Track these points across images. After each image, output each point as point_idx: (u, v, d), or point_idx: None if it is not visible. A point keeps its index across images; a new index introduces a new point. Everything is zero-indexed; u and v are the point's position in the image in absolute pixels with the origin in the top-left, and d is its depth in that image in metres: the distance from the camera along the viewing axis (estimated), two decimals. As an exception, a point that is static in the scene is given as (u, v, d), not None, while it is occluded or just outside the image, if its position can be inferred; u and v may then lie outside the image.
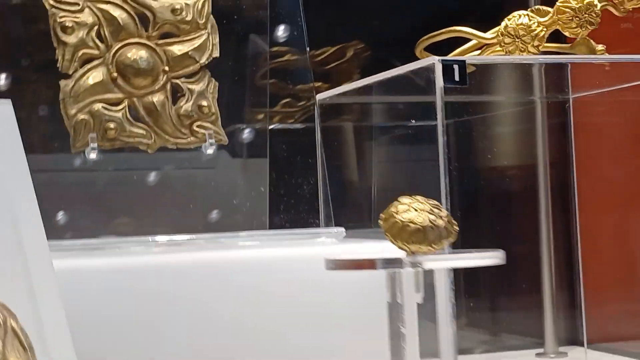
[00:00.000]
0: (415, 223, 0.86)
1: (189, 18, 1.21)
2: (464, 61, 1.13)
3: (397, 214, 0.86)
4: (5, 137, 0.95)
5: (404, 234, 0.85)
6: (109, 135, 1.16)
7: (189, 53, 1.21)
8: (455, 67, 1.12)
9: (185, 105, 1.21)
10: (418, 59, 1.23)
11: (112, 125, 1.16)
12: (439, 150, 1.12)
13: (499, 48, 1.21)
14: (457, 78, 1.13)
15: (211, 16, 1.23)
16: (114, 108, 1.17)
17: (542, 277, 1.49)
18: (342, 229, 1.19)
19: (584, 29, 1.19)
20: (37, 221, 0.92)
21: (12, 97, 0.95)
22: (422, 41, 1.31)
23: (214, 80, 1.22)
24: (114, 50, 1.18)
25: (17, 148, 0.96)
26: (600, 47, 1.21)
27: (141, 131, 1.18)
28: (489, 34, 1.23)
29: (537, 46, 1.19)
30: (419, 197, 0.88)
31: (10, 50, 1.24)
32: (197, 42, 1.22)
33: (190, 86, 1.21)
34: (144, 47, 1.19)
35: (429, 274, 0.89)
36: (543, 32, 1.19)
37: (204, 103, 1.21)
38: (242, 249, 1.12)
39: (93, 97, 1.17)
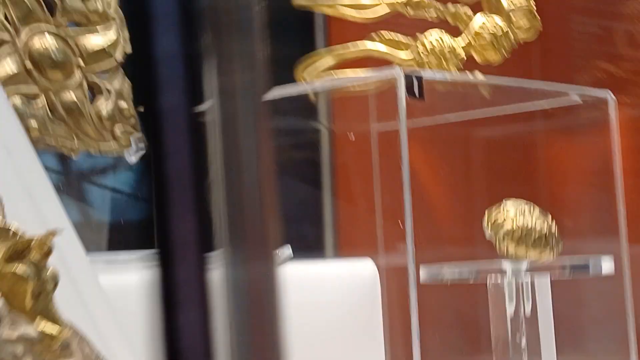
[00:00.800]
0: (536, 230, 0.80)
1: (99, 8, 1.05)
2: (421, 77, 1.10)
3: (514, 219, 0.80)
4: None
5: (527, 240, 0.79)
6: (32, 135, 0.96)
7: (105, 48, 1.04)
8: (415, 81, 1.09)
9: (105, 106, 1.04)
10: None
11: (34, 123, 0.96)
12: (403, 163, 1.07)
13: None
14: (416, 92, 1.09)
15: (119, 9, 1.08)
16: (34, 103, 0.97)
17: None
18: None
19: (498, 55, 1.20)
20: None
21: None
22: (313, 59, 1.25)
23: (127, 79, 1.07)
24: (23, 36, 0.99)
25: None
26: None
27: (63, 132, 0.99)
28: (404, 55, 1.20)
29: (456, 69, 1.19)
30: (523, 201, 0.83)
31: None
32: (111, 36, 1.05)
33: (107, 85, 1.04)
34: (54, 35, 1.01)
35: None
36: (463, 55, 1.19)
37: (124, 104, 1.05)
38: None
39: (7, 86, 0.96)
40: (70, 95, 1.01)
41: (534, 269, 0.80)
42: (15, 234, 0.64)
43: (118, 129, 1.04)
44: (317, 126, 1.64)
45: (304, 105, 1.54)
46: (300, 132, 1.59)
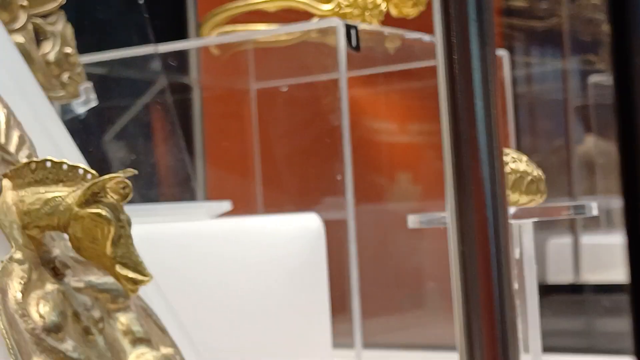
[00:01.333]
0: (529, 174, 0.82)
1: (39, -54, 0.99)
2: (356, 26, 1.10)
3: (505, 164, 0.82)
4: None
5: (520, 185, 0.82)
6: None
7: (46, -13, 0.98)
8: (353, 32, 1.09)
9: (52, 52, 0.98)
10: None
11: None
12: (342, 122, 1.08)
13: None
14: (353, 43, 1.10)
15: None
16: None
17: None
18: (226, 202, 1.06)
19: (415, 9, 1.22)
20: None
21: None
22: (224, 12, 1.23)
23: (69, 24, 1.01)
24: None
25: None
26: None
27: (15, 78, 0.93)
28: (326, 6, 1.20)
29: (378, 21, 1.20)
30: (508, 149, 0.85)
31: None
32: (51, -26, 0.99)
33: (51, 28, 0.98)
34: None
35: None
36: (385, 7, 1.20)
37: (69, 50, 0.99)
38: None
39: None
40: (17, 39, 0.94)
41: (518, 214, 0.82)
42: (85, 174, 0.60)
43: (65, 77, 0.98)
44: (191, 83, 1.61)
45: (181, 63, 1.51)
46: (173, 89, 1.56)
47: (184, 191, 1.24)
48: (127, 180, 0.59)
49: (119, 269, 0.59)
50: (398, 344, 1.41)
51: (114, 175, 0.59)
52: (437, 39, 0.44)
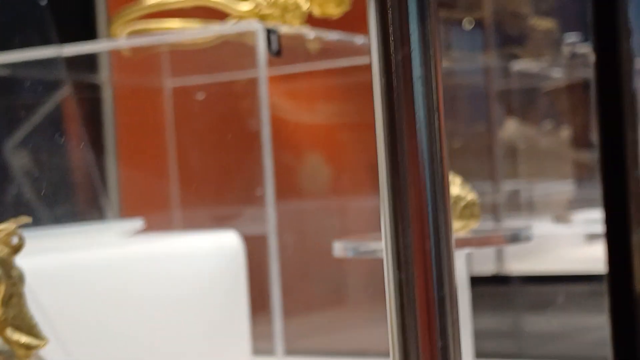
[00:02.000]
0: (463, 198, 0.77)
1: None
2: (277, 31, 1.04)
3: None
4: None
5: (454, 210, 0.76)
6: None
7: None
8: (274, 37, 1.02)
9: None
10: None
11: None
12: (262, 128, 1.01)
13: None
14: (274, 48, 1.03)
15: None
16: None
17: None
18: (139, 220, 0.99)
19: (339, 9, 1.16)
20: None
21: None
22: (131, 13, 1.16)
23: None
24: None
25: None
26: None
27: None
28: (244, 6, 1.13)
29: (300, 22, 1.13)
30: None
31: None
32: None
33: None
34: None
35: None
36: (306, 9, 1.14)
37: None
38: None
39: None
40: None
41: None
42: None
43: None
44: (102, 82, 1.53)
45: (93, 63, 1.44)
46: (82, 90, 1.48)
47: (93, 206, 1.16)
48: (18, 232, 0.52)
49: (9, 333, 0.52)
50: (321, 349, 1.36)
51: (4, 227, 0.52)
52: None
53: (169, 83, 1.49)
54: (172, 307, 0.94)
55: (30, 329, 0.52)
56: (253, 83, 1.24)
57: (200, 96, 1.33)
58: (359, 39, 1.24)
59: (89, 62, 1.44)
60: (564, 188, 1.85)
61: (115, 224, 1.00)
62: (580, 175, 1.84)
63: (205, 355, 0.96)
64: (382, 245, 0.41)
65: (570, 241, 1.78)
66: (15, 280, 0.52)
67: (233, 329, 0.99)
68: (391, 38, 0.39)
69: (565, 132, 1.85)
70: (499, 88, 1.87)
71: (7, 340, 0.52)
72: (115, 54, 1.39)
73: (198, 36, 1.11)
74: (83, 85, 1.49)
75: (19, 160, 1.12)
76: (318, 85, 1.47)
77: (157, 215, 1.40)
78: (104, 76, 1.52)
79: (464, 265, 0.80)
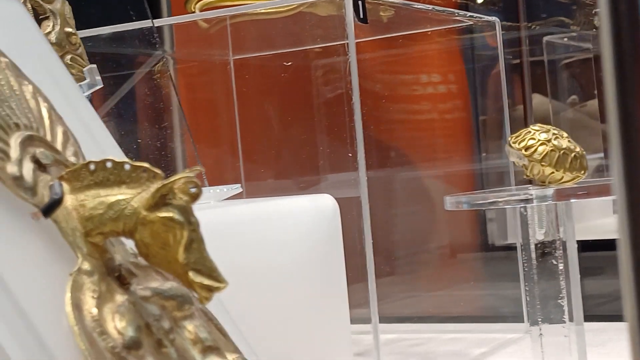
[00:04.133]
0: (572, 150, 0.79)
1: None
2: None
3: (548, 141, 0.79)
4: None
5: (564, 162, 0.79)
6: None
7: (44, -37, 0.92)
8: (362, 4, 1.05)
9: (53, 32, 0.92)
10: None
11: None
12: (353, 94, 1.04)
13: None
14: (361, 15, 1.05)
15: None
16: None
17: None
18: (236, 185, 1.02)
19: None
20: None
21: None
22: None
23: (67, 1, 0.95)
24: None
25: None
26: None
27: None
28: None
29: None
30: (549, 126, 0.82)
31: None
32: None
33: (49, 6, 0.92)
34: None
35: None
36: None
37: (70, 29, 0.93)
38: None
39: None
40: (18, 20, 0.88)
41: (558, 193, 0.80)
42: (150, 174, 0.55)
43: (67, 58, 0.92)
44: (163, 57, 1.55)
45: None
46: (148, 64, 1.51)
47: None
48: (197, 180, 0.55)
49: (192, 275, 0.54)
50: (414, 317, 1.39)
51: (183, 175, 0.54)
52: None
53: (250, 54, 1.51)
54: (271, 270, 0.96)
55: (211, 272, 0.55)
56: (330, 52, 1.26)
57: (288, 63, 1.35)
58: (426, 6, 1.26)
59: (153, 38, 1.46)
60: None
61: (213, 188, 1.03)
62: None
63: (305, 319, 0.99)
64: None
65: (601, 210, 1.79)
66: (195, 227, 0.55)
67: (331, 292, 1.02)
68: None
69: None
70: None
71: (190, 284, 0.55)
72: (185, 28, 1.42)
73: (282, 5, 1.13)
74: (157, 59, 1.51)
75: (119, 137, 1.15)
76: (395, 53, 1.49)
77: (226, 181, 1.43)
78: (172, 51, 1.55)
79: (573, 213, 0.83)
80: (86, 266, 0.53)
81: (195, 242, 0.54)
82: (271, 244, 0.98)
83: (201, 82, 1.58)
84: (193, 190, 0.55)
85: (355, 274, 1.09)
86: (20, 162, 0.54)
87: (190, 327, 0.58)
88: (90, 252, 0.54)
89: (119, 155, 0.67)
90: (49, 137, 0.59)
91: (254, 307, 0.94)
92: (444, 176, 1.56)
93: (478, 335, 1.35)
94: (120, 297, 0.54)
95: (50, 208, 0.53)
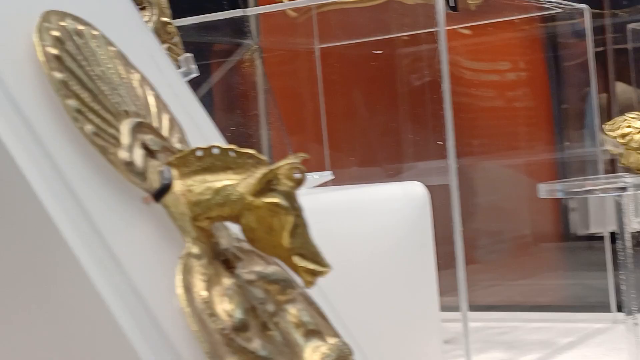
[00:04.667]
0: None
1: None
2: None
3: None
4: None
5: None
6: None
7: (140, -47, 0.94)
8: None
9: (151, 21, 0.94)
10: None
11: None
12: (443, 82, 1.04)
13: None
14: (451, 3, 1.06)
15: None
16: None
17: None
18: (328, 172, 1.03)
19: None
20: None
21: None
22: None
23: (163, -8, 0.97)
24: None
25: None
26: None
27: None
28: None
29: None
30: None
31: None
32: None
33: (147, -3, 0.94)
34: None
35: None
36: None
37: (166, 19, 0.95)
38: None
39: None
40: (117, 9, 0.90)
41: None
42: (255, 160, 0.56)
43: (164, 47, 0.94)
44: (253, 45, 1.57)
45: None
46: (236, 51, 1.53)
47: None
48: (301, 166, 0.56)
49: (297, 260, 0.56)
50: (500, 305, 1.39)
51: (288, 161, 0.55)
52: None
53: (336, 43, 1.52)
54: (362, 256, 0.97)
55: (315, 256, 0.56)
56: (417, 40, 1.26)
57: (377, 52, 1.36)
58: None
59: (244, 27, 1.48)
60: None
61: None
62: None
63: (395, 306, 1.00)
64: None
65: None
66: (299, 212, 0.56)
67: (421, 280, 1.02)
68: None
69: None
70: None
71: (294, 268, 0.56)
72: (271, 17, 1.44)
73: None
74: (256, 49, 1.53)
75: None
76: (479, 41, 1.49)
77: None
78: (257, 40, 1.56)
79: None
80: (195, 250, 0.54)
81: (300, 227, 0.56)
82: (362, 230, 0.99)
83: (286, 70, 1.60)
84: (297, 176, 0.56)
85: (443, 262, 1.09)
86: (131, 148, 0.55)
87: (293, 311, 0.59)
88: (198, 236, 0.55)
89: (221, 143, 0.68)
90: (155, 124, 0.60)
91: (344, 294, 0.95)
92: (525, 165, 1.56)
93: (564, 325, 1.34)
94: (227, 281, 0.55)
95: (160, 193, 0.55)
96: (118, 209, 0.52)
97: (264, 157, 0.56)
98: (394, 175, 1.37)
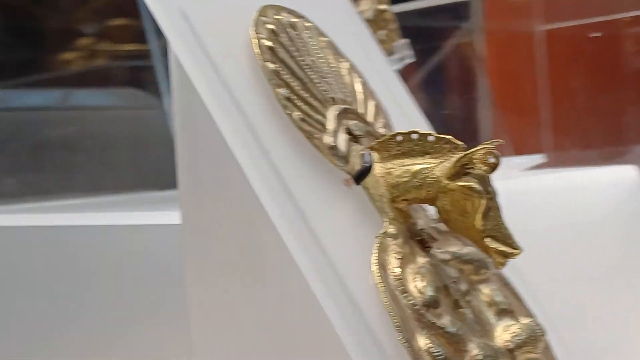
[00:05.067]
0: None
1: None
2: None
3: None
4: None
5: None
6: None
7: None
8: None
9: (369, 10, 0.98)
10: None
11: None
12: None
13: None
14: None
15: None
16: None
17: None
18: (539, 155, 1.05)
19: None
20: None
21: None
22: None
23: (382, -20, 1.01)
24: None
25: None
26: None
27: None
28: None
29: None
30: None
31: None
32: None
33: (365, -15, 0.98)
34: None
35: None
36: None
37: (383, 7, 0.99)
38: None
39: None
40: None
41: None
42: (452, 145, 0.59)
43: (380, 34, 0.98)
44: (472, 27, 1.58)
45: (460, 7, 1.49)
46: (455, 34, 1.55)
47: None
48: (496, 151, 0.58)
49: (488, 242, 0.58)
50: None
51: (483, 146, 0.58)
52: None
53: (542, 27, 1.52)
54: (570, 241, 0.98)
55: (506, 239, 0.58)
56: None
57: (597, 34, 1.35)
58: None
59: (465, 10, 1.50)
60: None
61: (518, 158, 1.06)
62: None
63: (603, 291, 1.00)
64: None
65: None
66: (492, 195, 0.58)
67: (631, 266, 1.02)
68: None
69: None
70: None
71: (486, 249, 0.59)
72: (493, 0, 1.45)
73: None
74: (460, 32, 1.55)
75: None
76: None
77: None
78: (477, 22, 1.58)
79: None
80: (391, 230, 0.58)
81: (492, 210, 0.58)
82: (572, 213, 0.99)
83: (507, 52, 1.60)
84: (492, 160, 0.58)
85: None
86: (335, 133, 0.60)
87: (486, 290, 0.61)
88: (395, 217, 0.59)
89: (425, 128, 0.72)
90: (361, 110, 0.64)
91: (551, 276, 0.96)
92: None
93: None
94: (421, 259, 0.58)
95: (361, 175, 0.59)
96: (320, 191, 0.56)
97: (460, 143, 0.59)
98: (612, 158, 1.36)
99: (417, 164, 0.59)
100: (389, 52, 0.98)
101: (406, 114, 0.70)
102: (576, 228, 1.00)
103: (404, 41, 0.97)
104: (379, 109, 0.67)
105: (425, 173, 0.59)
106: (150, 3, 0.55)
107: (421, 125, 0.71)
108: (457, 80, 1.59)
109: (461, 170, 0.58)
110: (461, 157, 0.58)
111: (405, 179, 0.60)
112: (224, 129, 0.53)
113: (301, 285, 0.51)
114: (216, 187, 0.54)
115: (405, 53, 0.97)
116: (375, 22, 0.97)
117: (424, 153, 0.60)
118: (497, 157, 0.58)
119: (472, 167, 0.58)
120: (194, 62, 0.54)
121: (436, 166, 0.59)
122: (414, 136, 0.60)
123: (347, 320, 0.51)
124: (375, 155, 0.60)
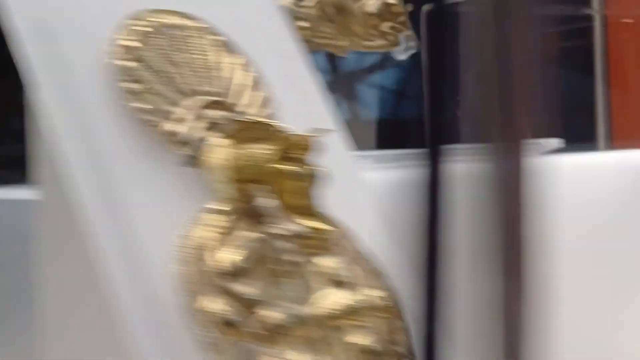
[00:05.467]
0: None
1: None
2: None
3: None
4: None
5: None
6: (304, 35, 0.98)
7: None
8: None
9: (372, 3, 1.04)
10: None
11: (305, 24, 0.98)
12: None
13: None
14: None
15: None
16: (305, 3, 0.99)
17: None
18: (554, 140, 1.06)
19: None
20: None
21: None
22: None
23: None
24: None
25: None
26: None
27: (332, 31, 1.01)
28: None
29: None
30: None
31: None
32: None
33: (371, -20, 1.04)
34: None
35: None
36: None
37: (392, 1, 1.04)
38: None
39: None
40: (336, -8, 1.01)
41: None
42: (280, 131, 0.66)
43: (385, 26, 1.03)
44: (590, 12, 1.57)
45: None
46: (571, 19, 1.54)
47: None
48: (313, 137, 0.64)
49: (305, 220, 0.64)
50: None
51: (302, 133, 0.64)
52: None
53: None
54: (589, 227, 0.98)
55: (320, 216, 0.65)
56: None
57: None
58: None
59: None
60: None
61: (536, 141, 1.06)
62: None
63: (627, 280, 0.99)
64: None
65: None
66: (308, 177, 0.65)
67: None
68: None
69: None
70: None
71: (309, 224, 0.65)
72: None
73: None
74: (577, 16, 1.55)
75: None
76: None
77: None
78: (597, 7, 1.57)
79: None
80: (221, 207, 0.65)
81: (306, 189, 0.64)
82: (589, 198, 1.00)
83: (629, 38, 1.58)
84: (309, 145, 0.64)
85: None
86: (181, 120, 0.68)
87: (327, 263, 0.67)
88: (235, 197, 0.66)
89: (328, 120, 0.77)
90: (234, 102, 0.72)
91: (569, 263, 0.98)
92: None
93: None
94: (249, 234, 0.65)
95: (194, 158, 0.66)
96: (144, 171, 0.64)
97: (289, 128, 0.66)
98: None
99: (255, 149, 0.66)
100: (393, 44, 1.03)
101: (310, 107, 0.76)
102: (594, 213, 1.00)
103: (408, 33, 1.02)
104: (266, 101, 0.74)
105: (260, 157, 0.66)
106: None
107: (323, 117, 0.76)
108: (577, 62, 1.59)
109: (285, 155, 0.65)
110: (283, 142, 0.64)
111: (244, 162, 0.67)
112: (57, 121, 0.63)
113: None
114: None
115: (409, 44, 1.02)
116: (379, 15, 1.02)
117: (265, 139, 0.67)
118: (313, 143, 0.64)
119: (293, 152, 0.64)
120: (42, 60, 0.64)
121: (271, 151, 0.66)
122: (254, 123, 0.67)
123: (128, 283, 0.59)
124: (219, 141, 0.68)
